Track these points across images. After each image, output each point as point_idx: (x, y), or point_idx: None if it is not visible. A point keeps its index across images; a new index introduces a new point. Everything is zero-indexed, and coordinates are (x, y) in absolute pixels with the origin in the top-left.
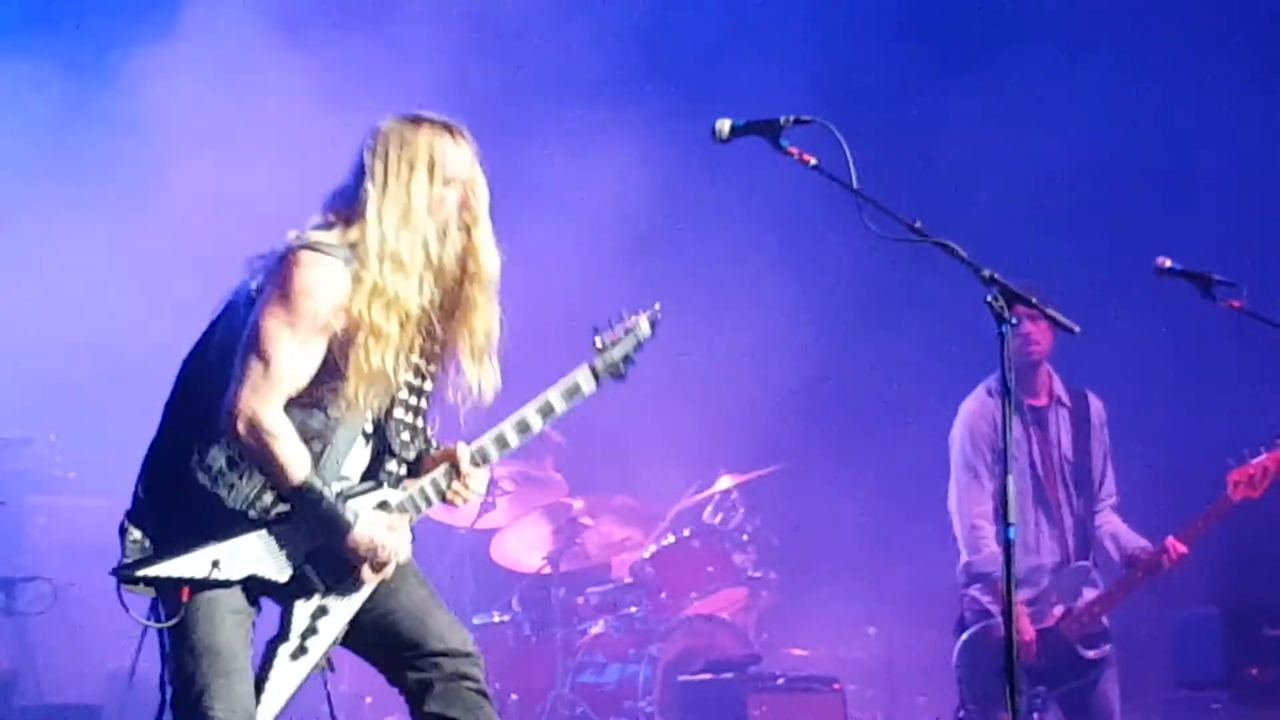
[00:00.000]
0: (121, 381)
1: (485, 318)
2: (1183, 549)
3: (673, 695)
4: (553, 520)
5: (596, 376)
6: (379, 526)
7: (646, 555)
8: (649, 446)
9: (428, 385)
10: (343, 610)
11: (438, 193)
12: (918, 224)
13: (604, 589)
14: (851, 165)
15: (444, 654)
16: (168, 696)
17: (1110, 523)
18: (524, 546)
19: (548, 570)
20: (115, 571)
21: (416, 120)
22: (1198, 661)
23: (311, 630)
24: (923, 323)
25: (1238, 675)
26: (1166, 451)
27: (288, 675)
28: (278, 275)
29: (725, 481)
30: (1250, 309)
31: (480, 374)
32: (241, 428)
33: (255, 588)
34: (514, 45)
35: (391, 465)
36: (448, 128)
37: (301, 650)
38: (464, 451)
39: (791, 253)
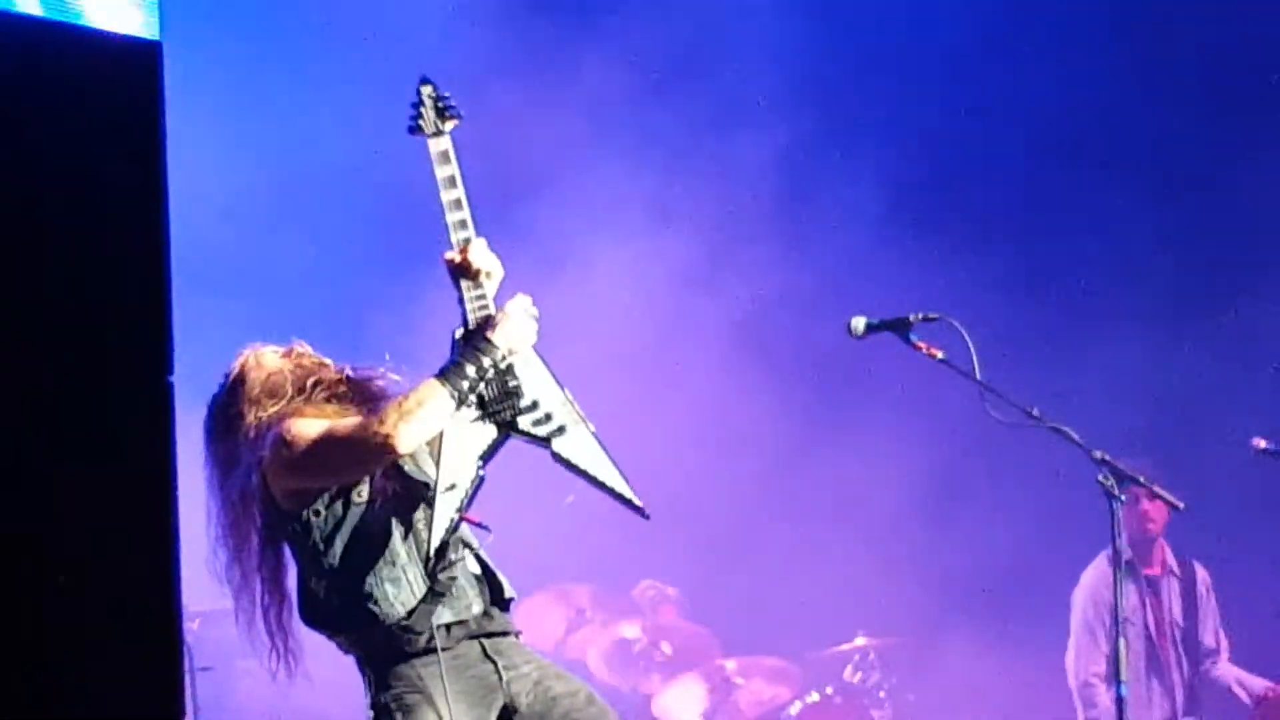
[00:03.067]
0: None
1: None
2: None
3: None
4: (708, 681)
5: (439, 134)
6: (497, 328)
7: (794, 712)
8: (793, 611)
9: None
10: (534, 383)
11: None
12: (1035, 411)
13: None
14: (975, 357)
15: None
16: None
17: (1231, 671)
18: (682, 705)
19: None
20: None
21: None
22: None
23: (545, 419)
24: (1044, 498)
25: None
26: (1270, 617)
27: (585, 454)
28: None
29: (860, 640)
30: None
31: None
32: (396, 442)
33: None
34: None
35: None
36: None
37: (558, 431)
38: (448, 258)
39: (920, 422)
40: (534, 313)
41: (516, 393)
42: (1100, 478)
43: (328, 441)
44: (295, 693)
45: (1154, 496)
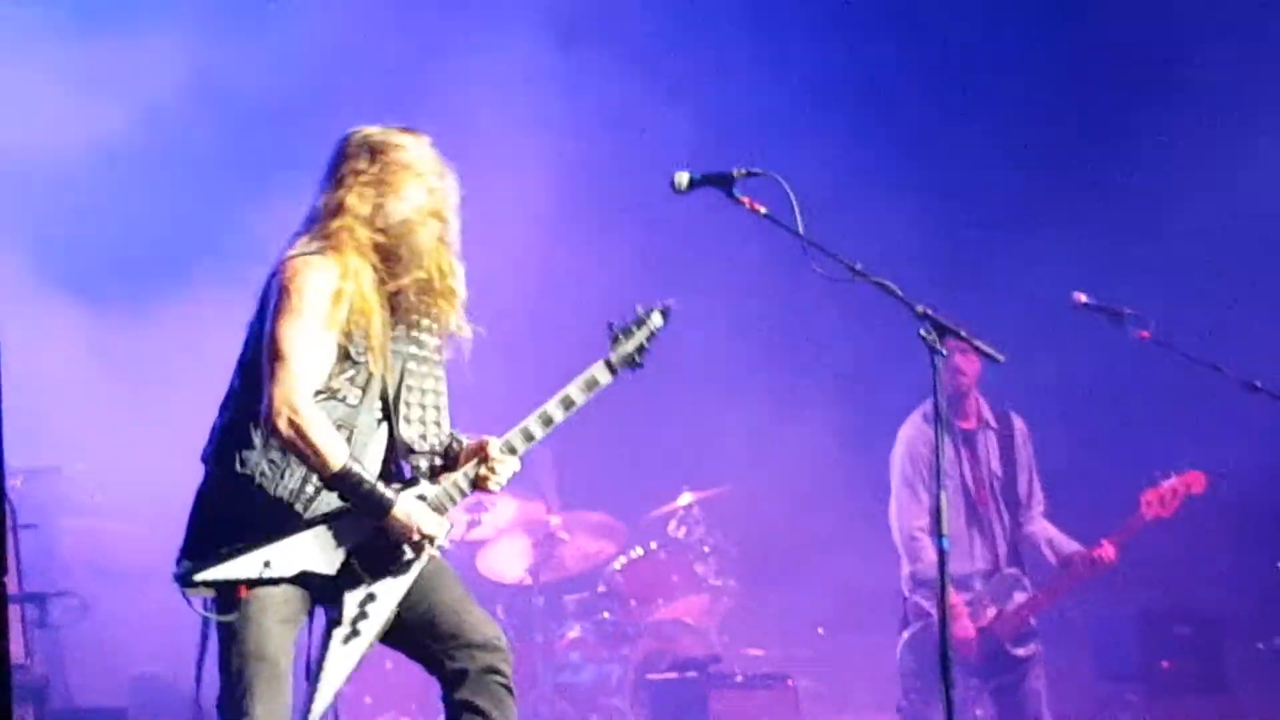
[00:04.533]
0: (142, 412)
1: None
2: (1111, 555)
3: (642, 692)
4: (532, 535)
5: (612, 369)
6: (417, 507)
7: (618, 566)
8: (618, 469)
9: (429, 368)
10: (390, 595)
11: (412, 190)
12: (858, 265)
13: (580, 597)
14: (798, 212)
15: (480, 646)
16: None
17: (1044, 529)
18: (507, 559)
19: (529, 581)
20: (177, 577)
21: (385, 129)
22: (1115, 657)
23: (362, 615)
24: (860, 356)
25: (1151, 669)
26: (1084, 472)
27: (342, 659)
28: (277, 287)
29: (686, 498)
30: (1159, 339)
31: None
32: (281, 424)
33: (307, 583)
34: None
35: (417, 461)
36: (412, 132)
37: (354, 634)
38: (493, 443)
39: (755, 287)
40: (420, 542)
41: (382, 573)
42: (922, 332)
43: (277, 348)
44: (117, 549)
45: (974, 350)
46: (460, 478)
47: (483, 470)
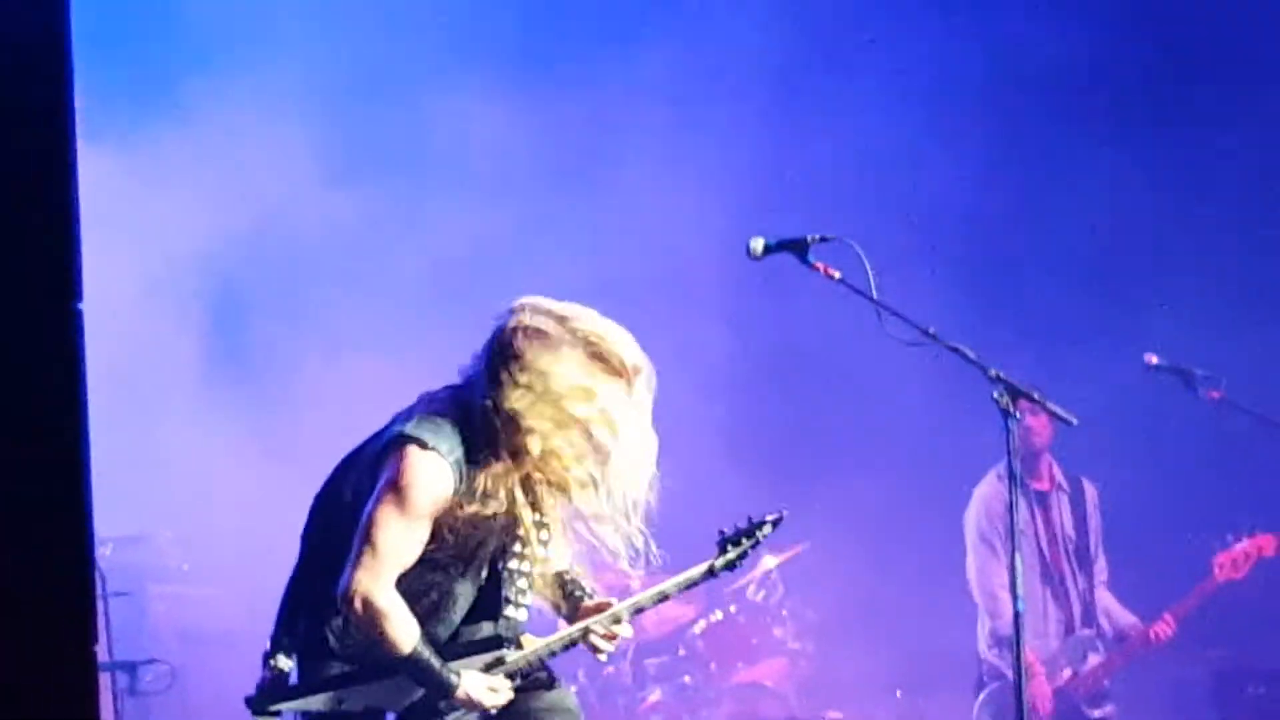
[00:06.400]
0: (228, 481)
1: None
2: (1169, 631)
3: None
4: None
5: (713, 574)
6: (479, 688)
7: (698, 630)
8: (698, 532)
9: (545, 535)
10: None
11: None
12: (932, 330)
13: (660, 660)
14: (871, 277)
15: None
16: None
17: (1103, 599)
18: None
19: None
20: (248, 701)
21: (563, 320)
22: (1189, 718)
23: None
24: (937, 415)
25: None
26: (1154, 535)
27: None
28: (389, 466)
29: (769, 561)
30: (1230, 399)
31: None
32: (356, 607)
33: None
34: None
35: (510, 611)
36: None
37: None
38: (602, 619)
39: (831, 350)
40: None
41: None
42: (995, 394)
43: (373, 527)
44: (206, 617)
45: (1046, 412)
46: (558, 640)
47: (594, 641)
